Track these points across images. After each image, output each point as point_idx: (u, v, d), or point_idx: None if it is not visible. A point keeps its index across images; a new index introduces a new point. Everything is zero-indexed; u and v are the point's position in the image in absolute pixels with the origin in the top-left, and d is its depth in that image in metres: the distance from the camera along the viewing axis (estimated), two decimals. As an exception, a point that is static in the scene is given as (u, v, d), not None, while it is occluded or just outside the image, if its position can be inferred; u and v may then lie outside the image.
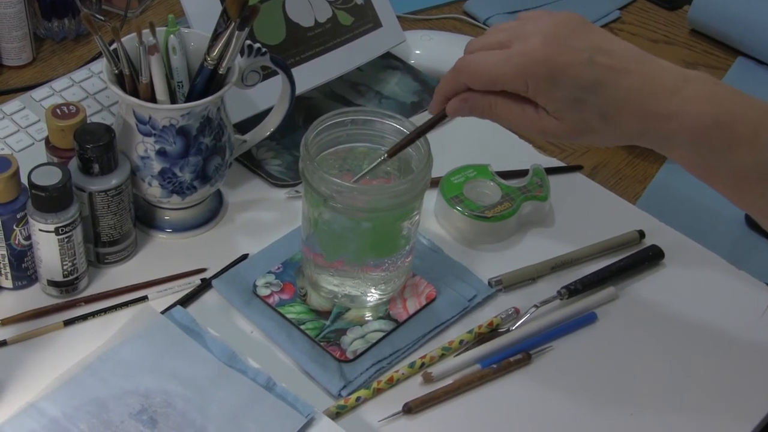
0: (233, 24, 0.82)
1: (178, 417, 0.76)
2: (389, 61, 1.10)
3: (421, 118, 1.02)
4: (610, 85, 0.70)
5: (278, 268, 0.87)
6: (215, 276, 0.87)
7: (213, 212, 0.93)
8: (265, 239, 0.91)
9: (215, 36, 0.84)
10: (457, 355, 0.83)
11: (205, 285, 0.87)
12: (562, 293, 0.88)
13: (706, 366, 0.85)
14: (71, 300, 0.84)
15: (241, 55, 0.85)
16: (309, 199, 0.80)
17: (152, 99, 0.84)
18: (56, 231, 0.80)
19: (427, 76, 1.09)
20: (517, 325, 0.85)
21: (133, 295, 0.85)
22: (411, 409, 0.79)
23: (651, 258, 0.92)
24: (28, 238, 0.82)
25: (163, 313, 0.83)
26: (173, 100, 0.86)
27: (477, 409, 0.80)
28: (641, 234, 0.94)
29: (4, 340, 0.81)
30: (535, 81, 0.70)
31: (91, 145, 0.81)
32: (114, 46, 0.82)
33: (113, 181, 0.83)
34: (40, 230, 0.80)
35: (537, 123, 0.73)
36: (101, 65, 0.85)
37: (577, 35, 0.71)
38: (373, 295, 0.85)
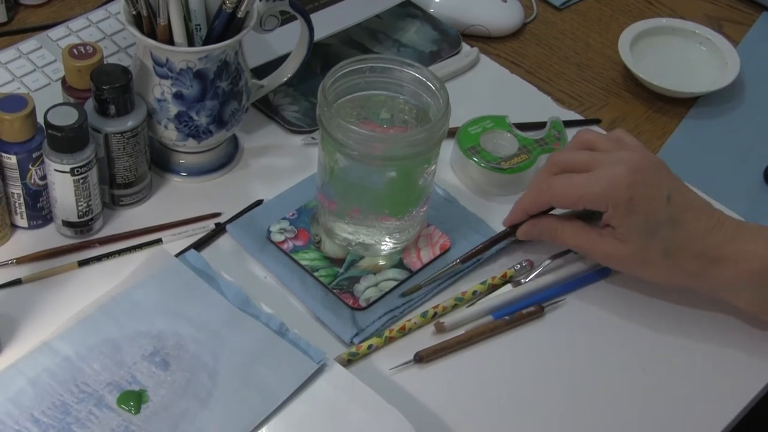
0: (252, -34, 0.81)
1: (190, 359, 0.76)
2: (409, 9, 1.09)
3: (440, 67, 1.02)
4: (680, 224, 0.78)
5: (293, 214, 0.87)
6: (230, 221, 0.87)
7: (228, 157, 0.92)
8: (280, 185, 0.90)
9: (234, -22, 0.83)
10: (469, 305, 0.83)
11: (220, 230, 0.87)
12: (576, 247, 0.88)
13: (720, 324, 0.84)
14: (86, 241, 0.84)
15: (260, -1, 0.85)
16: (325, 146, 0.80)
17: (170, 41, 0.83)
18: (72, 172, 0.80)
19: (446, 25, 1.08)
20: (530, 277, 0.85)
21: (147, 237, 0.85)
22: (422, 358, 0.79)
23: (667, 214, 0.91)
24: (44, 178, 0.82)
25: (177, 256, 0.83)
26: (191, 43, 0.85)
27: (488, 359, 0.80)
28: (658, 190, 0.93)
29: (19, 278, 0.81)
30: (616, 203, 0.77)
31: (107, 86, 0.80)
32: (132, -14, 0.81)
33: (129, 123, 0.83)
34: (55, 170, 0.80)
35: (600, 246, 0.80)
36: (119, 6, 0.85)
37: (657, 174, 0.79)
38: (387, 244, 0.85)
